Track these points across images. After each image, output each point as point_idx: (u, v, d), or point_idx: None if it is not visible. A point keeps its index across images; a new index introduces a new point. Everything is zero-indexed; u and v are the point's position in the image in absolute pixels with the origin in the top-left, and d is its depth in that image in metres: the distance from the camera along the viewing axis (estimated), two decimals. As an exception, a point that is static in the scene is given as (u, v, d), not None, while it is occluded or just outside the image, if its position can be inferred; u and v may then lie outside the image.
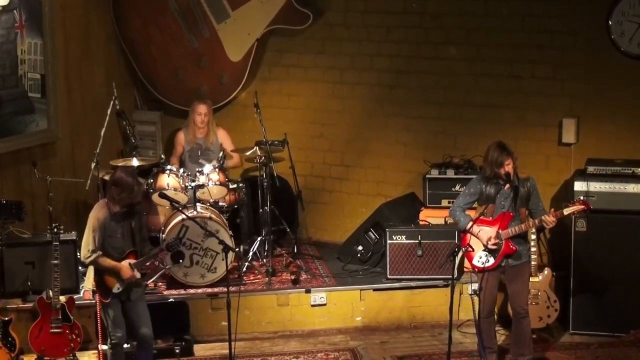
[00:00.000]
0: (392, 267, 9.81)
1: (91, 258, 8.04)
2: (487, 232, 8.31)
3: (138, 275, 8.22)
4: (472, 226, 8.33)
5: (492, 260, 8.35)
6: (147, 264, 8.82)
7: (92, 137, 10.27)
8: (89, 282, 9.04)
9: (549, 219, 8.15)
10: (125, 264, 8.12)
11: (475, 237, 8.35)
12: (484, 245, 8.35)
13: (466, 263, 9.11)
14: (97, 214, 8.10)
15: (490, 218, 8.34)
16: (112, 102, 10.22)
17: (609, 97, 9.76)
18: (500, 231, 8.28)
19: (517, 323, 8.54)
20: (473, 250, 8.41)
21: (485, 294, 8.45)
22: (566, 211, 8.19)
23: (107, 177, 9.25)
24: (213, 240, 9.13)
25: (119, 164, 9.90)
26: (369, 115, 10.95)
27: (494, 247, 8.27)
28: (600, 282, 9.37)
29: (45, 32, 10.03)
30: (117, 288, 8.14)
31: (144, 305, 8.37)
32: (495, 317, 8.77)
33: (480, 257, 8.40)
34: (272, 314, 9.70)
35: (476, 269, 8.47)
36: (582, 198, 8.47)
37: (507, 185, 8.27)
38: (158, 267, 9.68)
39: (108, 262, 8.08)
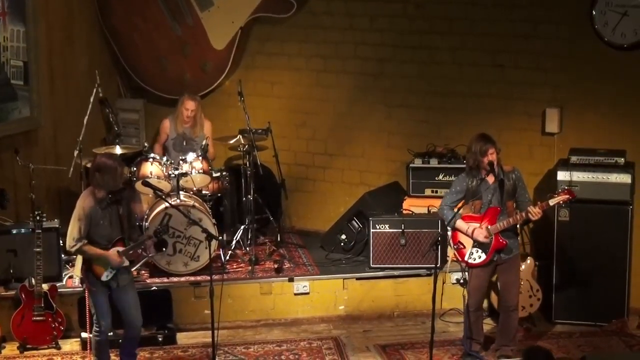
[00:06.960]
0: (375, 256, 9.82)
1: (76, 247, 8.02)
2: (480, 231, 8.29)
3: (126, 262, 8.20)
4: (455, 222, 8.34)
5: (484, 256, 8.36)
6: (134, 251, 8.80)
7: (75, 125, 10.22)
8: (78, 270, 9.00)
9: (535, 210, 8.13)
10: (112, 251, 8.11)
11: (470, 237, 8.34)
12: (474, 241, 8.35)
13: (449, 252, 9.14)
14: (82, 203, 8.07)
15: (478, 214, 8.35)
16: (95, 90, 10.17)
17: (592, 87, 9.77)
18: (489, 226, 8.29)
19: (505, 316, 8.57)
20: (464, 247, 8.42)
21: (474, 289, 8.46)
22: (552, 202, 8.21)
23: (89, 165, 9.20)
24: (196, 229, 9.11)
25: (102, 152, 9.87)
26: (352, 104, 10.94)
27: (486, 240, 8.28)
28: (583, 271, 9.40)
29: (28, 19, 9.98)
30: (106, 276, 8.11)
31: (134, 291, 8.35)
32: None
33: (472, 254, 8.39)
34: (255, 302, 9.69)
35: (470, 266, 8.45)
36: (566, 187, 8.49)
37: (492, 179, 8.27)
38: (142, 254, 9.65)
39: (94, 250, 8.05)
